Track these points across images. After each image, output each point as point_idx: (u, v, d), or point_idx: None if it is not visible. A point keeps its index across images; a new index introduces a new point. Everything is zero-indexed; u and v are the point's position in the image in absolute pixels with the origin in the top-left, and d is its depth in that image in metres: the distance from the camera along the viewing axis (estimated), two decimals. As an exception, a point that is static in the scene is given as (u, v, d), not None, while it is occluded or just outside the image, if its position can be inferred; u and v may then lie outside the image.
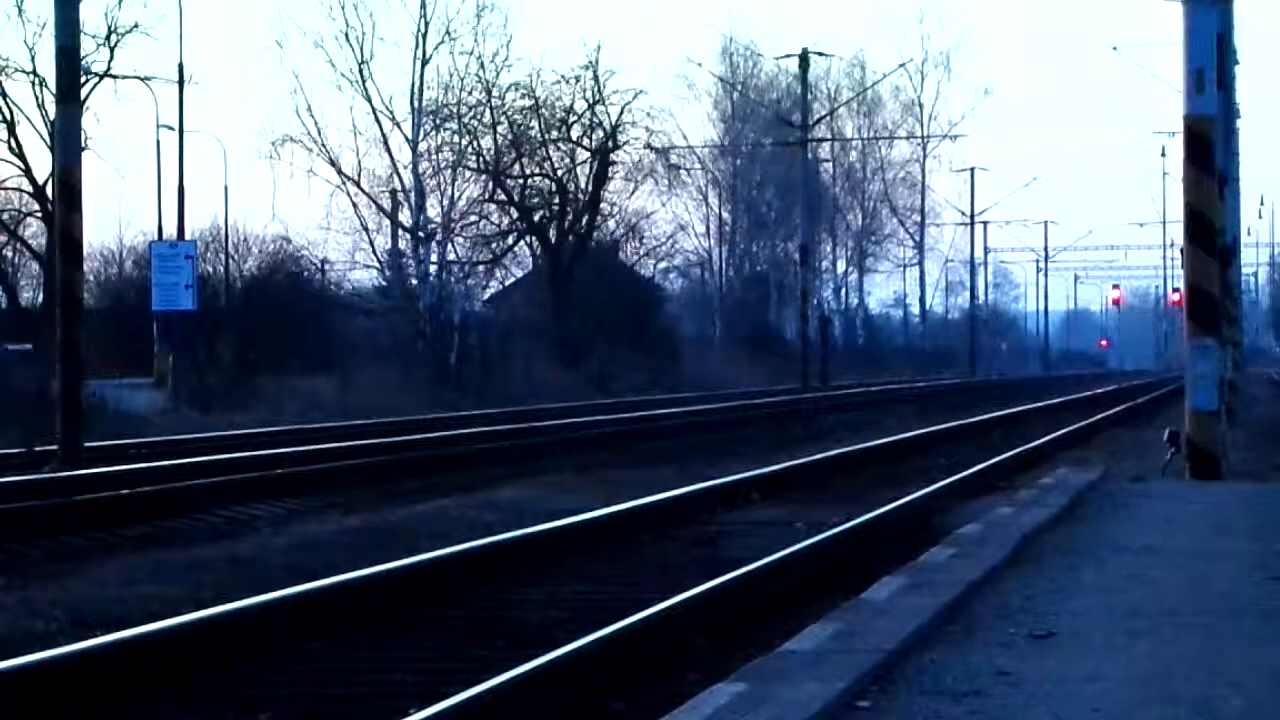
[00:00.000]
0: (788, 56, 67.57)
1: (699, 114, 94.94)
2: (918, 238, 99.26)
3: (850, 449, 25.48)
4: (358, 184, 52.96)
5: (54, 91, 24.79)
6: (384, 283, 54.32)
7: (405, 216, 53.10)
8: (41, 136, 46.48)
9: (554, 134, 58.23)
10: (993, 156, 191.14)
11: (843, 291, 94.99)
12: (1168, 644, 7.91)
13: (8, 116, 47.44)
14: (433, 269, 52.90)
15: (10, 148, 47.68)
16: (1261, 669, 7.36)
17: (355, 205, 53.19)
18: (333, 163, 52.50)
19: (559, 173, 58.36)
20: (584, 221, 59.18)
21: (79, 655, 8.28)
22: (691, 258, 78.83)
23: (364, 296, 54.99)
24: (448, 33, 53.03)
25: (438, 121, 53.46)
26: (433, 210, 53.27)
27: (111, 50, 47.22)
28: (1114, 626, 8.33)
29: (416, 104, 52.28)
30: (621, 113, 58.51)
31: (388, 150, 52.66)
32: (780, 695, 6.45)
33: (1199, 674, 7.23)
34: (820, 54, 69.05)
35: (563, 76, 57.64)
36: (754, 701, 6.36)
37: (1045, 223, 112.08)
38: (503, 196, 57.41)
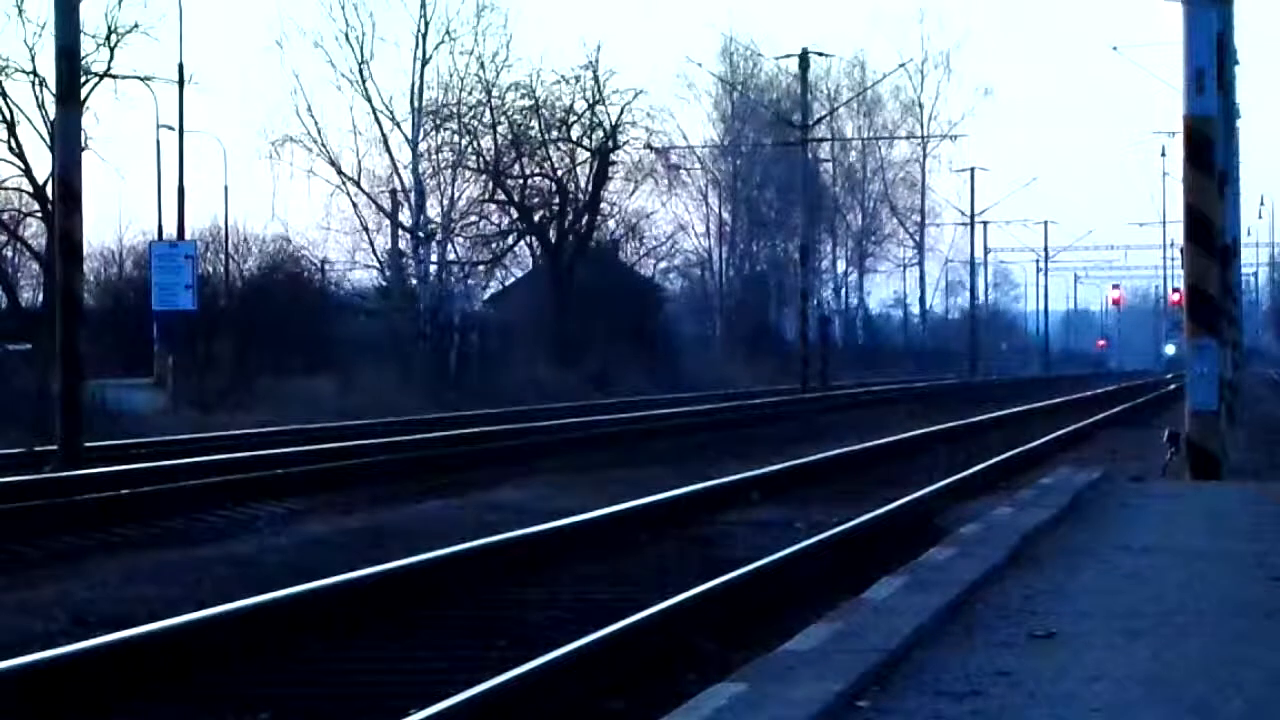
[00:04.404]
0: (788, 56, 67.59)
1: (699, 114, 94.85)
2: (918, 238, 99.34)
3: (850, 449, 25.49)
4: (358, 184, 53.04)
5: (54, 92, 24.79)
6: (384, 283, 54.35)
7: (405, 216, 53.12)
8: (41, 136, 46.48)
9: (554, 134, 58.26)
10: (993, 156, 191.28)
11: (843, 291, 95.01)
12: (1168, 644, 7.91)
13: (8, 116, 47.44)
14: (433, 269, 52.92)
15: (10, 148, 47.69)
16: (1262, 669, 7.36)
17: (355, 205, 53.29)
18: (333, 163, 52.59)
19: (559, 173, 58.41)
20: (584, 221, 59.19)
21: (79, 655, 8.28)
22: (691, 258, 78.88)
23: (364, 296, 55.01)
24: (448, 33, 53.11)
25: (438, 121, 53.49)
26: (433, 210, 53.36)
27: (111, 50, 47.23)
28: (1114, 627, 8.32)
29: (416, 104, 52.31)
30: (621, 113, 58.63)
31: (388, 150, 52.75)
32: (780, 695, 6.45)
33: (1199, 674, 7.22)
34: (820, 54, 69.06)
35: (563, 76, 57.76)
36: (754, 701, 6.35)
37: (1045, 223, 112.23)
38: (503, 196, 57.42)
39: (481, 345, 52.65)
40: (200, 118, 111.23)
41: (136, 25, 47.22)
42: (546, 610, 10.89)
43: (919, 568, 10.22)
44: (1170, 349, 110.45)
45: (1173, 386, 57.48)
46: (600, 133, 58.56)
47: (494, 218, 57.85)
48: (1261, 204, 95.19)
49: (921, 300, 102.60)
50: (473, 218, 56.28)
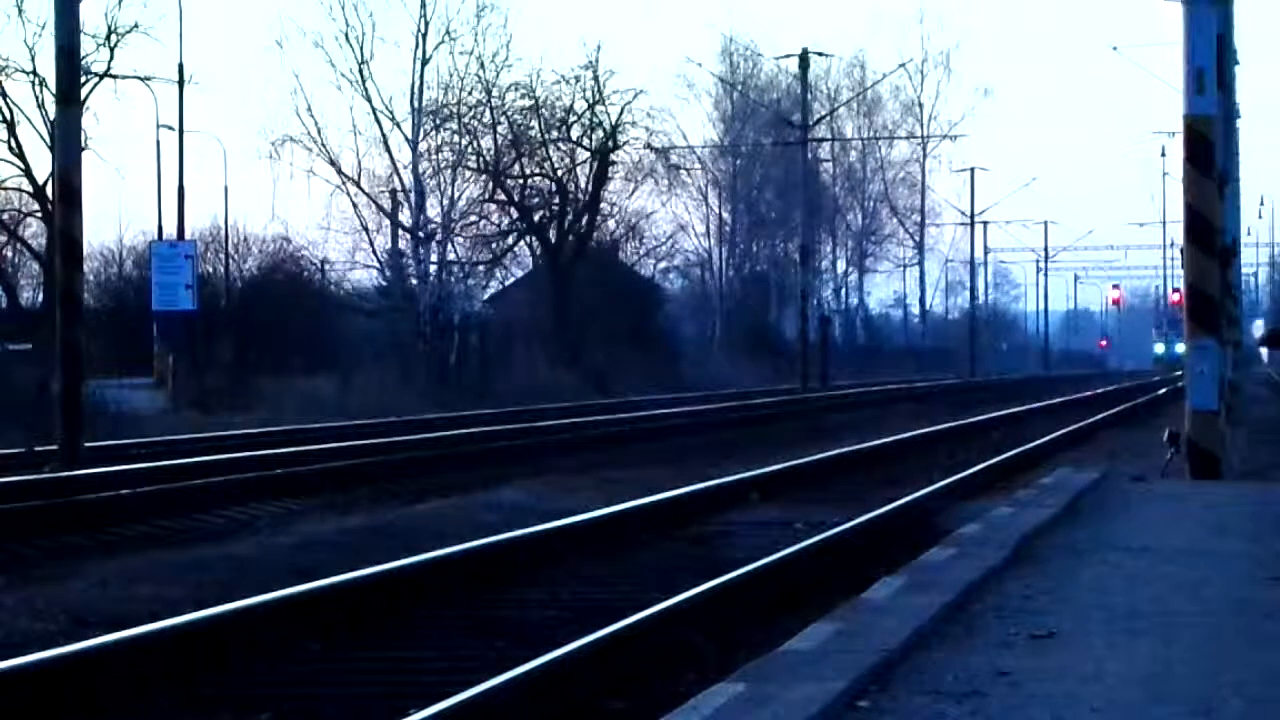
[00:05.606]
0: (788, 56, 67.56)
1: (699, 114, 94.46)
2: (918, 238, 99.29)
3: (850, 449, 25.49)
4: (358, 184, 52.97)
5: (54, 91, 24.80)
6: (384, 283, 54.31)
7: (405, 216, 53.09)
8: (41, 136, 46.55)
9: (554, 134, 58.23)
10: (993, 156, 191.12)
11: (843, 291, 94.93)
12: (1168, 644, 7.91)
13: (8, 116, 47.53)
14: (433, 269, 52.89)
15: (10, 148, 47.79)
16: (1262, 669, 7.36)
17: (355, 205, 53.20)
18: (333, 163, 52.52)
19: (559, 173, 58.39)
20: (584, 221, 59.19)
21: (79, 655, 8.28)
22: (691, 258, 78.78)
23: (364, 296, 54.98)
24: (448, 33, 53.05)
25: (438, 121, 53.45)
26: (433, 210, 53.29)
27: (111, 50, 47.33)
28: (1114, 627, 8.32)
29: (416, 104, 52.28)
30: (621, 113, 58.59)
31: (388, 150, 52.69)
32: (780, 695, 6.45)
33: (1199, 674, 7.23)
34: (820, 54, 69.03)
35: (563, 76, 57.72)
36: (754, 701, 6.36)
37: (1045, 223, 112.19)
38: (503, 196, 57.41)
39: (481, 345, 52.62)
40: (200, 118, 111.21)
41: (136, 25, 47.38)
42: (547, 610, 10.89)
43: (919, 568, 10.22)
44: (1159, 348, 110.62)
45: (1163, 390, 57.41)
46: (600, 133, 58.59)
47: (494, 218, 57.85)
48: (1261, 204, 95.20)
49: (921, 300, 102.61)
50: (473, 218, 56.24)
